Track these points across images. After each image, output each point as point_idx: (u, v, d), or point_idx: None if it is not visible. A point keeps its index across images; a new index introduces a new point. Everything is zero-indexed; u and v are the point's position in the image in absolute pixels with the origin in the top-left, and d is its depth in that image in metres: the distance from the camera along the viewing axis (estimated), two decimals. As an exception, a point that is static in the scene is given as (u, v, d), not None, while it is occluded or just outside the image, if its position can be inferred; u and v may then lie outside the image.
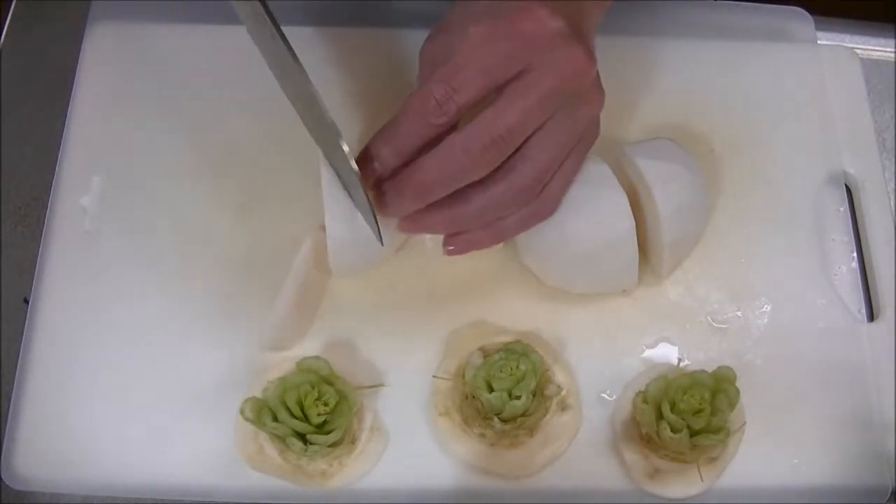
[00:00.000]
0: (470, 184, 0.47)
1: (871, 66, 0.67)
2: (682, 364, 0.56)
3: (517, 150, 0.47)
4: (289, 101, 0.50)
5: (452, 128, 0.47)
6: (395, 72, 0.63)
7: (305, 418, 0.49)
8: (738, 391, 0.50)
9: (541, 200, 0.50)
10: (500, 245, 0.58)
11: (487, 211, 0.49)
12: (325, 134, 0.48)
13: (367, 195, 0.48)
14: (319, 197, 0.59)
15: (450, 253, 0.52)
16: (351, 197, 0.50)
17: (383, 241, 0.50)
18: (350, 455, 0.52)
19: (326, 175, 0.50)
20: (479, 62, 0.45)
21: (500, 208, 0.49)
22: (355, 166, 0.47)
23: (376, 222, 0.49)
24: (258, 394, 0.50)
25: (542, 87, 0.45)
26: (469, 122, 0.46)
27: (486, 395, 0.50)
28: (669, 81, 0.64)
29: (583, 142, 0.50)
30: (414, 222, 0.50)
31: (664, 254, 0.55)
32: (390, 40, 0.64)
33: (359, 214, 0.50)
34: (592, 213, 0.53)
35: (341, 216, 0.50)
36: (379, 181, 0.49)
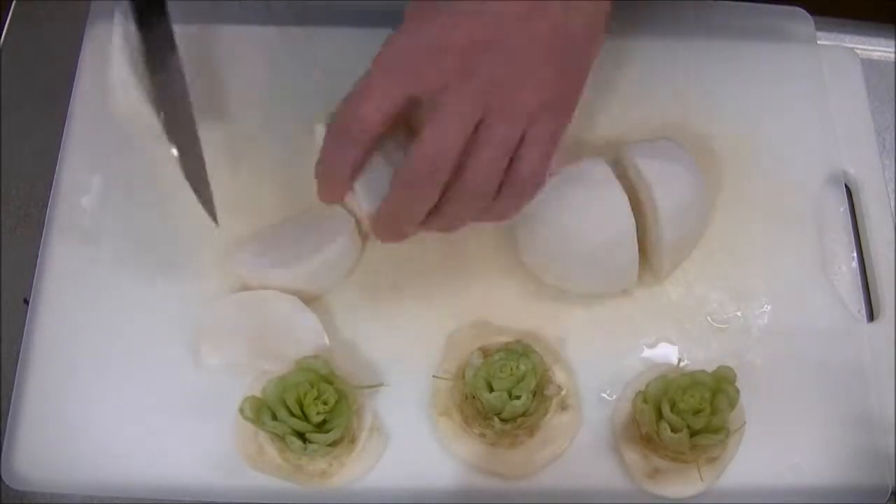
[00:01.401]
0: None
1: (871, 66, 0.67)
2: (682, 364, 0.56)
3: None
4: None
5: None
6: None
7: (305, 417, 0.49)
8: (738, 391, 0.50)
9: (516, 179, 0.48)
10: (500, 245, 0.58)
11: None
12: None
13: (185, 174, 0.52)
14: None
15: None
16: None
17: None
18: (350, 455, 0.52)
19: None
20: (457, 115, 0.44)
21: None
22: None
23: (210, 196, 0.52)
24: (258, 393, 0.50)
25: (503, 132, 0.45)
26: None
27: (486, 395, 0.50)
28: (670, 81, 0.64)
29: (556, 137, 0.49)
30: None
31: (664, 254, 0.55)
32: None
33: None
34: (592, 213, 0.53)
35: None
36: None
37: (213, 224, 0.52)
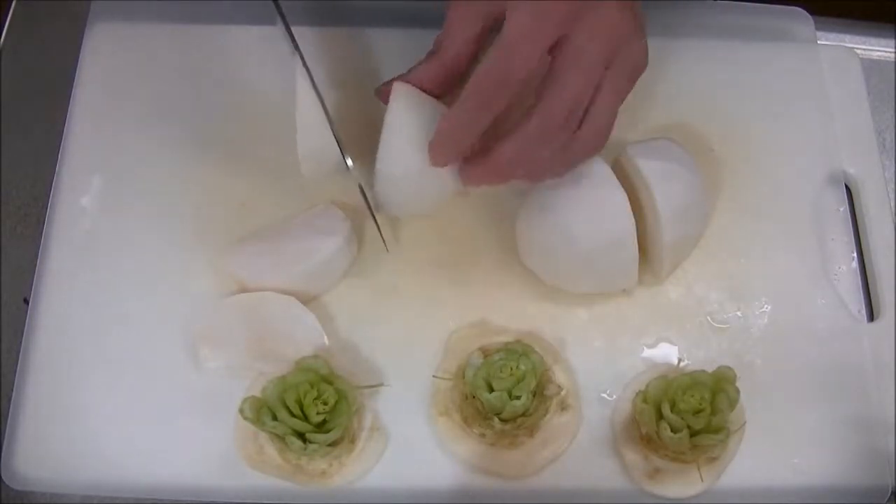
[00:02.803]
0: None
1: (871, 66, 0.67)
2: (682, 364, 0.56)
3: None
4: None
5: None
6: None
7: (305, 417, 0.49)
8: (738, 391, 0.50)
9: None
10: (500, 244, 0.58)
11: (559, 168, 0.51)
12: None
13: (368, 204, 0.52)
14: (318, 196, 0.59)
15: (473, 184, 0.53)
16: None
17: (438, 191, 0.52)
18: (350, 455, 0.52)
19: (389, 117, 0.51)
20: (531, 31, 0.46)
21: (570, 165, 0.51)
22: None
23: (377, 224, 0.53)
24: (258, 393, 0.50)
25: (596, 50, 0.47)
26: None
27: (486, 395, 0.50)
28: (669, 81, 0.64)
29: (633, 77, 0.52)
30: (482, 179, 0.51)
31: (664, 254, 0.55)
32: (393, 40, 0.64)
33: (411, 153, 0.51)
34: (592, 213, 0.53)
35: (392, 154, 0.51)
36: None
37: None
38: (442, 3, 0.52)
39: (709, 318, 0.58)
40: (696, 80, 0.64)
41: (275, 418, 0.48)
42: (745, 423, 0.53)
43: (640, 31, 0.50)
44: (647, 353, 0.57)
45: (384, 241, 0.56)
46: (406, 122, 0.51)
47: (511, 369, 0.50)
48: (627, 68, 0.50)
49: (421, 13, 0.63)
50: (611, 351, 0.56)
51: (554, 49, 0.47)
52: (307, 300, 0.56)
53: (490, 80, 0.46)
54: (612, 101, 0.49)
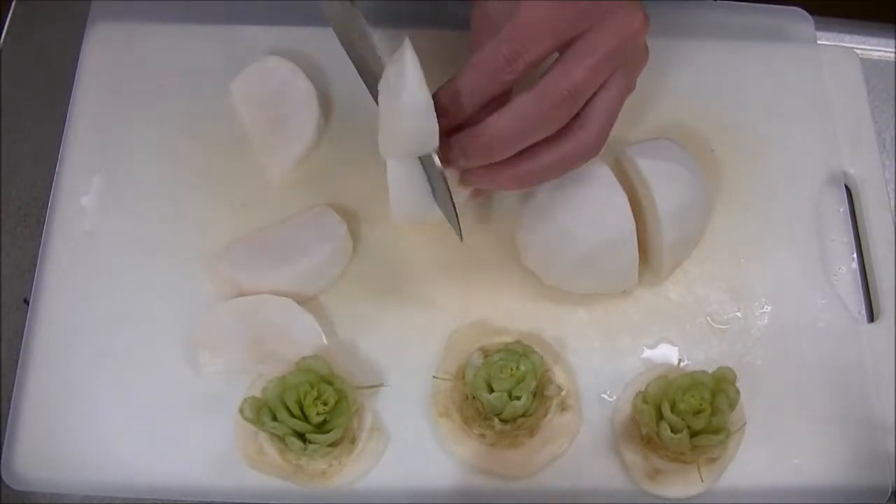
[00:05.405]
0: (537, 142, 0.48)
1: (871, 66, 0.67)
2: (682, 364, 0.56)
3: (583, 107, 0.48)
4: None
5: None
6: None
7: (305, 417, 0.49)
8: (738, 391, 0.50)
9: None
10: (501, 245, 0.58)
11: (556, 167, 0.49)
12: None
13: (447, 189, 0.48)
14: (319, 197, 0.59)
15: (471, 185, 0.51)
16: (432, 187, 0.50)
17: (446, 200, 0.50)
18: (350, 455, 0.52)
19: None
20: (547, 21, 0.46)
21: (568, 164, 0.49)
22: (438, 163, 0.48)
23: (455, 214, 0.50)
24: (258, 393, 0.50)
25: (606, 46, 0.46)
26: (532, 81, 0.47)
27: (486, 396, 0.50)
28: (669, 81, 0.64)
29: (636, 74, 0.52)
30: (481, 178, 0.50)
31: (664, 254, 0.55)
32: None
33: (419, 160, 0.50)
34: (592, 213, 0.53)
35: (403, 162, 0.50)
36: (445, 134, 0.48)
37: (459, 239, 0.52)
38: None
39: (709, 318, 0.58)
40: (696, 80, 0.64)
41: (275, 419, 0.48)
42: (745, 423, 0.53)
43: (645, 28, 0.50)
44: (647, 353, 0.57)
45: (460, 233, 0.51)
46: None
47: (511, 370, 0.50)
48: (632, 68, 0.50)
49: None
50: (611, 351, 0.56)
51: (565, 46, 0.47)
52: (304, 301, 0.56)
53: (499, 58, 0.46)
54: (615, 102, 0.49)
